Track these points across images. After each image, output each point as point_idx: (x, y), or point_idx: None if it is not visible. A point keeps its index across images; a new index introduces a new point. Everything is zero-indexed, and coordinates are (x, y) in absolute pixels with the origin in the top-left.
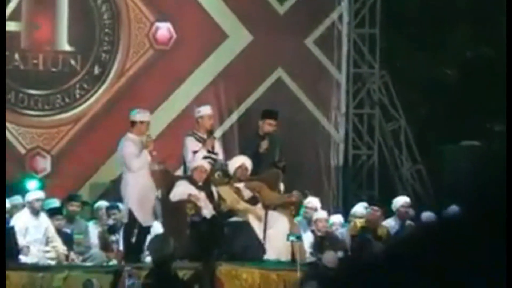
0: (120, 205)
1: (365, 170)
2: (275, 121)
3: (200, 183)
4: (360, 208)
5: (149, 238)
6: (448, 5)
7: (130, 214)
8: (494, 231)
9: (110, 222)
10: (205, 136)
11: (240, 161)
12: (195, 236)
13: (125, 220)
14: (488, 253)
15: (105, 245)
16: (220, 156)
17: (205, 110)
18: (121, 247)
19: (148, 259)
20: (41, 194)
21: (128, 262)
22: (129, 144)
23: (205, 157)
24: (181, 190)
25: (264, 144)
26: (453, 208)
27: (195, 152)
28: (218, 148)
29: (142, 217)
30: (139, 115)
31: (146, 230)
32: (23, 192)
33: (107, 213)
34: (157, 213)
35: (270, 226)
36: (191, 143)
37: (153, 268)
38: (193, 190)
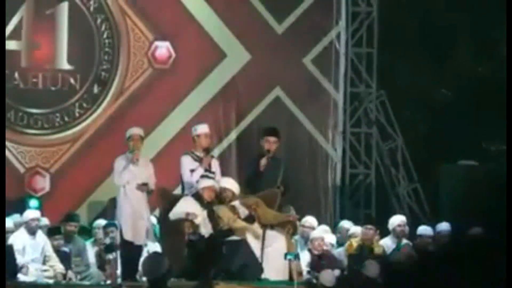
0: (117, 224)
1: (362, 189)
2: (276, 138)
3: (206, 202)
4: (356, 227)
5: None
6: (446, 25)
7: (123, 233)
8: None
9: (107, 241)
10: (201, 155)
11: (223, 183)
12: (193, 255)
13: (119, 239)
14: (489, 271)
15: (102, 264)
16: (218, 175)
17: (202, 129)
18: (119, 266)
19: (144, 278)
20: (37, 214)
21: (125, 280)
22: (116, 161)
23: (202, 176)
24: (179, 209)
25: (263, 161)
26: (443, 225)
27: (192, 171)
28: (215, 166)
29: (135, 236)
30: (127, 132)
31: (139, 249)
32: (22, 210)
33: (104, 232)
34: (150, 232)
35: (267, 245)
36: (188, 162)
37: (149, 287)
38: (192, 209)
